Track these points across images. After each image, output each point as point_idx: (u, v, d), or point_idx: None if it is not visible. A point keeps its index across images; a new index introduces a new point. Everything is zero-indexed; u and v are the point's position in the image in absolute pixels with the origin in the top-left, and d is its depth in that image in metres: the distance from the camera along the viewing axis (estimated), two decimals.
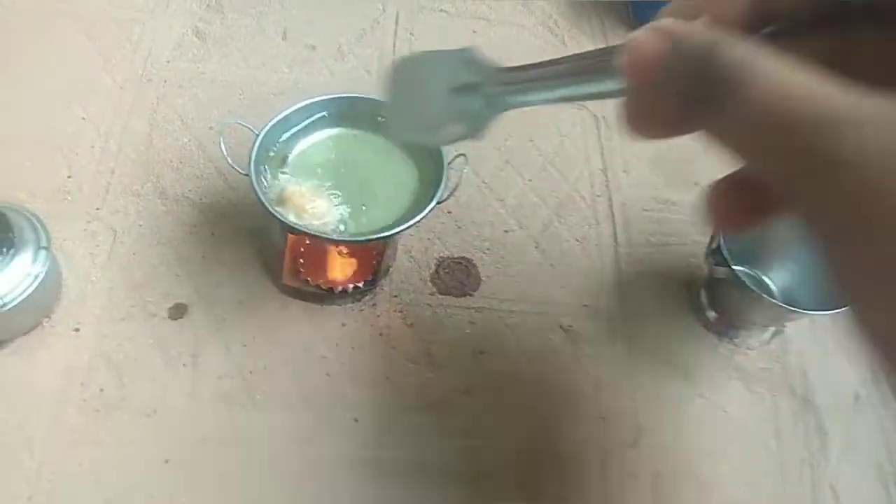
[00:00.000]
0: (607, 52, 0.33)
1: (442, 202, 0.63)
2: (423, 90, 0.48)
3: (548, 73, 0.39)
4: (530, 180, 0.83)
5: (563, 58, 0.37)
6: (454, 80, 0.45)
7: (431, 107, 0.48)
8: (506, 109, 0.44)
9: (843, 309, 0.62)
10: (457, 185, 0.64)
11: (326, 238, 0.61)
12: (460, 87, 0.45)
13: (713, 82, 0.24)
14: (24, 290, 0.61)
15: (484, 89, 0.44)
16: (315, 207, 0.62)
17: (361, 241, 0.61)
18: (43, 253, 0.63)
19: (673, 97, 0.26)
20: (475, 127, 0.46)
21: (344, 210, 0.64)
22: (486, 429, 0.67)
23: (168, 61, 0.87)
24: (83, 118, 0.81)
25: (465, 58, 0.45)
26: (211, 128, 0.81)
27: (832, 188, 0.21)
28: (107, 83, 0.84)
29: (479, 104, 0.45)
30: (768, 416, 0.70)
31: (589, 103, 0.90)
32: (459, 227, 0.78)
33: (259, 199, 0.60)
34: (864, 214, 0.21)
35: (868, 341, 0.23)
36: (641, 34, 0.27)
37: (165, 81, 0.85)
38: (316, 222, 0.61)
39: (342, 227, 0.63)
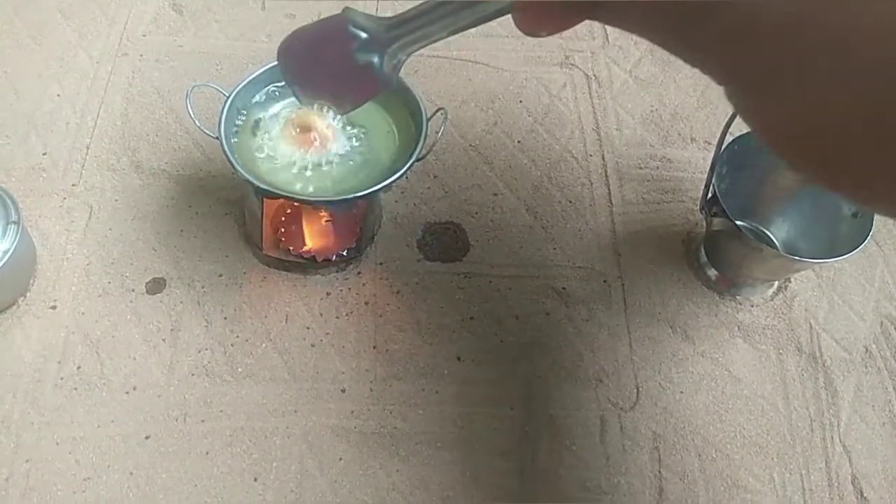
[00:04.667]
0: None
1: (421, 159, 0.60)
2: (320, 61, 0.48)
3: (436, 11, 0.39)
4: (519, 142, 0.80)
5: None
6: (348, 44, 0.45)
7: (336, 73, 0.48)
8: (407, 55, 0.44)
9: (849, 255, 0.59)
10: (435, 142, 0.61)
11: (302, 200, 0.58)
12: (356, 48, 0.44)
13: None
14: None
15: (378, 43, 0.44)
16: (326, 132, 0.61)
17: (338, 202, 0.58)
18: (13, 228, 0.61)
19: None
20: (384, 79, 0.46)
21: (353, 133, 0.63)
22: (478, 395, 0.64)
23: (144, 35, 0.84)
24: (58, 95, 0.79)
25: (349, 19, 0.45)
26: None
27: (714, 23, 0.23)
28: (82, 59, 0.82)
29: (379, 57, 0.45)
30: (774, 374, 0.67)
31: (579, 61, 0.87)
32: (446, 192, 0.75)
33: (230, 161, 0.58)
34: (744, 37, 0.23)
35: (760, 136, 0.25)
36: None
37: (142, 55, 0.82)
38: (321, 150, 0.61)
39: (353, 154, 0.62)
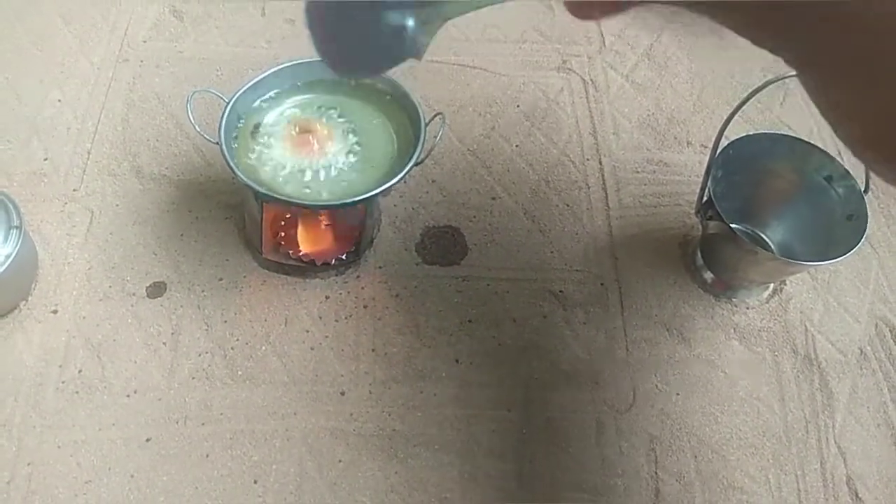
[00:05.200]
0: None
1: (420, 163, 0.61)
2: (349, 22, 0.45)
3: None
4: (517, 146, 0.80)
5: None
6: (377, 4, 0.41)
7: (365, 35, 0.44)
8: (442, 20, 0.41)
9: (843, 257, 0.60)
10: (433, 146, 0.62)
11: (301, 204, 0.59)
12: (388, 5, 0.41)
13: None
14: None
15: (413, 3, 0.41)
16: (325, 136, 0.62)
17: (337, 206, 0.59)
18: (15, 232, 0.62)
19: None
20: (415, 45, 0.43)
21: (352, 137, 0.64)
22: (477, 398, 0.65)
23: (145, 41, 0.85)
24: (60, 100, 0.79)
25: None
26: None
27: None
28: (83, 65, 0.82)
29: (413, 20, 0.41)
30: (770, 375, 0.68)
31: (576, 66, 0.87)
32: (444, 196, 0.76)
33: (230, 166, 0.58)
34: (846, 26, 0.21)
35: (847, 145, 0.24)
36: None
37: (142, 61, 0.83)
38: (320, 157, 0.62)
39: (352, 158, 0.63)
